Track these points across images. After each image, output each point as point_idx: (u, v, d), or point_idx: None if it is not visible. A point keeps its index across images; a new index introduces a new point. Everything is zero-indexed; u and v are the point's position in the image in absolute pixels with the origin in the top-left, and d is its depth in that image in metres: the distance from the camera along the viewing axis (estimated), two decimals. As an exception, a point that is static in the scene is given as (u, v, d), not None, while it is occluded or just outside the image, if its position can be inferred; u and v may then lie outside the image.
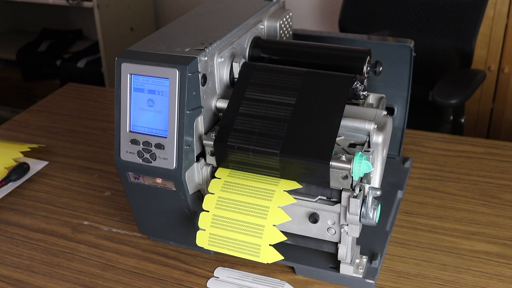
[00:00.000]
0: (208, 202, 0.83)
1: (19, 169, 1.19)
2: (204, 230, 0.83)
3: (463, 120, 1.76)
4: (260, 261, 0.81)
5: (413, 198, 1.09)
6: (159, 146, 0.81)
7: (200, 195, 0.88)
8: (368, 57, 0.93)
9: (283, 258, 0.81)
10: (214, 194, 0.83)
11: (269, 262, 0.80)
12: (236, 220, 0.81)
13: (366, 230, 0.89)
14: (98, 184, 1.17)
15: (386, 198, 1.03)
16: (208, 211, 0.83)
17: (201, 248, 0.90)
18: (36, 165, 1.23)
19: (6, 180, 1.16)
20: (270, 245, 0.80)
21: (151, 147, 0.82)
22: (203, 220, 0.83)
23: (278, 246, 0.81)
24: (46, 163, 1.24)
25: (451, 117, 1.80)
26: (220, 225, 0.82)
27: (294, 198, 0.82)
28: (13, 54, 2.89)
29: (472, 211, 1.05)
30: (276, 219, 0.80)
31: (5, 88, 2.95)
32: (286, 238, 0.81)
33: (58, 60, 2.82)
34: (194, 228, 0.89)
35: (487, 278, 0.89)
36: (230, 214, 0.82)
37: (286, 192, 0.81)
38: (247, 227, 0.81)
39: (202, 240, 0.83)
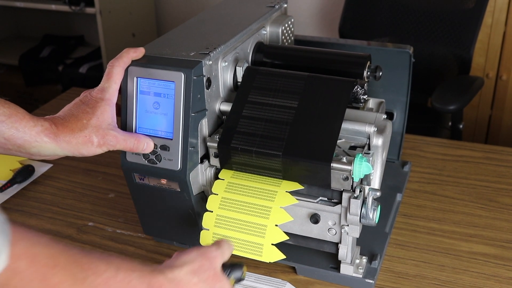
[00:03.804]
0: (211, 202, 0.85)
1: (24, 171, 1.21)
2: (208, 230, 0.85)
3: (461, 126, 1.78)
4: (262, 260, 0.82)
5: (412, 201, 1.11)
6: (164, 147, 0.83)
7: (203, 196, 0.90)
8: (368, 62, 0.95)
9: (285, 257, 0.82)
10: (217, 194, 0.85)
11: (271, 261, 0.82)
12: (239, 220, 0.83)
13: (366, 231, 0.91)
14: (102, 186, 1.18)
15: (385, 201, 1.05)
16: (212, 211, 0.85)
17: (204, 248, 0.91)
18: (41, 167, 1.24)
19: (12, 182, 1.18)
20: (272, 244, 0.82)
21: (157, 148, 0.84)
22: (207, 220, 0.85)
23: (279, 246, 0.83)
24: (50, 165, 1.25)
25: (450, 123, 1.82)
26: (224, 225, 0.84)
27: (296, 199, 0.84)
28: (16, 60, 2.91)
29: (470, 214, 1.07)
30: (279, 219, 0.82)
31: (7, 93, 2.97)
32: (288, 238, 0.82)
33: (60, 66, 2.84)
34: (197, 228, 0.90)
35: (484, 279, 0.91)
36: (233, 214, 0.84)
37: (288, 193, 0.83)
38: (250, 227, 0.83)
39: (206, 239, 0.85)
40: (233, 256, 0.95)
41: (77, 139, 0.77)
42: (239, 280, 0.75)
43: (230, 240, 0.80)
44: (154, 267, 0.64)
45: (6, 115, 0.73)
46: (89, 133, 0.77)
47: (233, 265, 0.75)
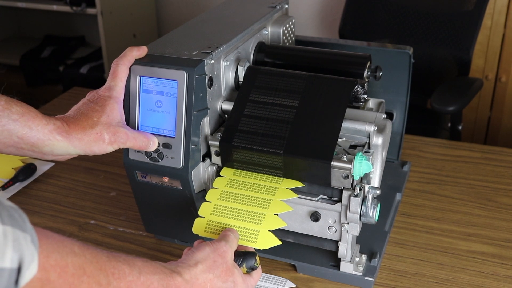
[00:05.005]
0: (211, 194, 0.85)
1: (27, 170, 1.21)
2: (203, 217, 0.83)
3: (460, 128, 1.79)
4: (256, 247, 0.80)
5: (411, 200, 1.12)
6: (167, 145, 0.84)
7: (205, 194, 0.91)
8: (369, 62, 0.96)
9: (280, 243, 0.80)
10: (218, 189, 0.86)
11: (266, 248, 0.80)
12: (238, 209, 0.82)
13: (365, 230, 0.92)
14: (104, 185, 1.19)
15: (385, 200, 1.06)
16: (210, 202, 0.85)
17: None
18: (43, 166, 1.25)
19: (14, 180, 1.19)
20: (269, 231, 0.80)
21: (159, 146, 0.85)
22: (204, 209, 0.84)
23: (280, 245, 0.82)
24: (52, 164, 1.26)
25: (449, 125, 1.83)
26: (221, 213, 0.83)
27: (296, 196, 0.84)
28: (17, 60, 2.92)
29: (468, 214, 1.08)
30: (278, 209, 0.81)
31: (8, 93, 2.95)
32: (286, 224, 0.82)
33: (61, 66, 2.85)
34: (198, 226, 0.91)
35: (482, 277, 0.92)
36: (232, 205, 0.83)
37: (288, 189, 0.84)
38: (248, 215, 0.82)
39: (199, 227, 0.83)
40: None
41: (89, 136, 0.77)
42: (252, 268, 0.76)
43: (234, 229, 0.80)
44: (173, 268, 0.68)
45: (19, 113, 0.73)
46: (100, 130, 0.78)
47: (246, 254, 0.76)
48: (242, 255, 0.76)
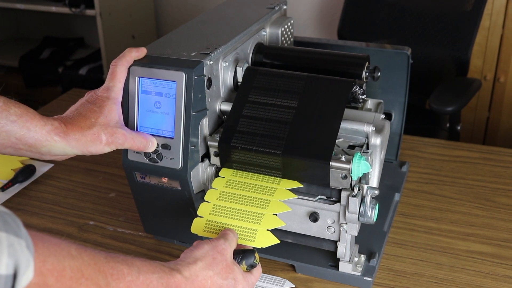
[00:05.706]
0: (210, 195, 0.85)
1: (26, 171, 1.22)
2: (202, 217, 0.83)
3: (459, 128, 1.80)
4: (254, 246, 0.80)
5: (410, 200, 1.12)
6: (166, 146, 0.85)
7: (204, 194, 0.91)
8: (367, 63, 0.97)
9: (279, 241, 0.80)
10: (217, 189, 0.86)
11: (264, 247, 0.80)
12: (237, 209, 0.83)
13: (364, 230, 0.92)
14: (103, 186, 1.19)
15: (383, 200, 1.06)
16: (209, 202, 0.85)
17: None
18: (42, 167, 1.25)
19: (13, 181, 1.19)
20: (268, 230, 0.80)
21: (158, 147, 0.85)
22: (203, 209, 0.84)
23: (279, 245, 0.83)
24: (51, 165, 1.26)
25: (448, 125, 1.84)
26: (220, 213, 0.83)
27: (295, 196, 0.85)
28: (16, 61, 2.92)
29: (467, 214, 1.08)
30: (277, 209, 0.82)
31: (7, 94, 2.96)
32: (284, 224, 0.81)
33: (60, 67, 2.85)
34: (198, 227, 0.91)
35: (481, 277, 0.92)
36: (231, 205, 0.83)
37: (287, 190, 0.84)
38: (246, 215, 0.82)
39: (198, 227, 0.83)
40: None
41: (86, 137, 0.78)
42: (251, 265, 0.76)
43: (233, 228, 0.80)
44: (172, 266, 0.67)
45: (18, 114, 0.74)
46: (97, 131, 0.78)
47: (245, 251, 0.77)
48: (241, 253, 0.77)
